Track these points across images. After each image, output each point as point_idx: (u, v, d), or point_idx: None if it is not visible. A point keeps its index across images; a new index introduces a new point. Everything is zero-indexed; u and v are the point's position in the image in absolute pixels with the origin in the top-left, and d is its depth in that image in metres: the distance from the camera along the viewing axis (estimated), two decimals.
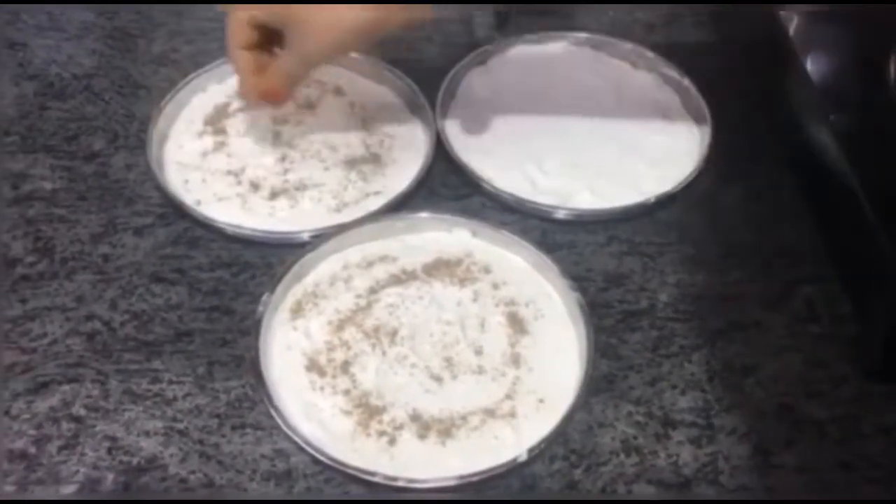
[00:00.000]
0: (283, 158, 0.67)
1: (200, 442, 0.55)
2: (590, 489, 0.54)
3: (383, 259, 0.62)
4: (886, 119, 0.62)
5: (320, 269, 0.62)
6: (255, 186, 0.66)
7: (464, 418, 0.54)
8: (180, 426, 0.55)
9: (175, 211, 0.65)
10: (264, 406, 0.55)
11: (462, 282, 0.61)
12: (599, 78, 0.74)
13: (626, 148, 0.69)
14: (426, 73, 0.74)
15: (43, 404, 0.56)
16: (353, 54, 0.74)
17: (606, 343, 0.60)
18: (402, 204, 0.65)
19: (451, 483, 0.52)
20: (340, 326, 0.58)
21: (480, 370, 0.57)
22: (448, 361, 0.57)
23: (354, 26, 0.59)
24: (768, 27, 0.70)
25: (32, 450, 0.54)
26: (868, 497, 0.54)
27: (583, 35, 0.76)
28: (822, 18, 0.69)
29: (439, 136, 0.68)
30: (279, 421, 0.54)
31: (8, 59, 0.76)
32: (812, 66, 0.65)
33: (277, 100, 0.66)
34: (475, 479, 0.52)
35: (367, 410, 0.55)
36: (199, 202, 0.65)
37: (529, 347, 0.58)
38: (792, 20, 0.69)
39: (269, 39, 0.63)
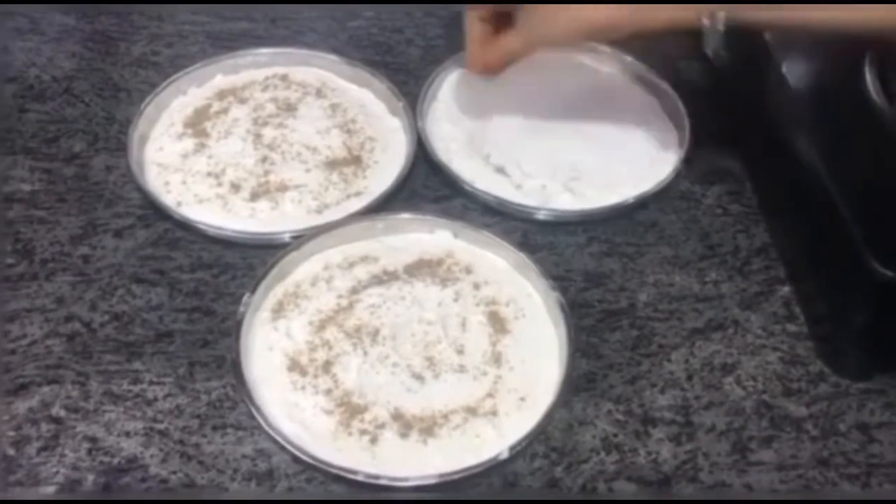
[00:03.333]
0: (263, 160, 0.67)
1: (181, 442, 0.55)
2: (570, 486, 0.54)
3: (364, 259, 0.62)
4: (862, 122, 0.63)
5: (301, 270, 0.62)
6: (235, 188, 0.66)
7: (445, 417, 0.55)
8: (161, 426, 0.55)
9: (155, 212, 0.65)
10: (245, 406, 0.55)
11: (443, 282, 0.61)
12: (580, 81, 0.75)
13: (606, 150, 0.70)
14: (407, 76, 0.75)
15: (22, 405, 0.56)
16: (335, 56, 0.74)
17: (587, 342, 0.60)
18: (384, 205, 0.65)
19: (433, 481, 0.52)
20: (322, 326, 0.58)
21: (462, 369, 0.57)
22: (430, 360, 0.57)
23: (588, 25, 0.59)
24: (746, 32, 0.70)
25: (11, 451, 0.54)
26: (845, 494, 0.55)
27: None
28: None
29: (420, 138, 0.69)
30: (260, 420, 0.53)
31: None
32: (789, 69, 0.66)
33: (491, 74, 0.67)
34: (456, 477, 0.52)
35: (349, 409, 0.55)
36: (179, 203, 0.65)
37: (510, 346, 0.58)
38: None
39: (501, 16, 0.64)
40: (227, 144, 0.68)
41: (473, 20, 0.64)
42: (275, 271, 0.60)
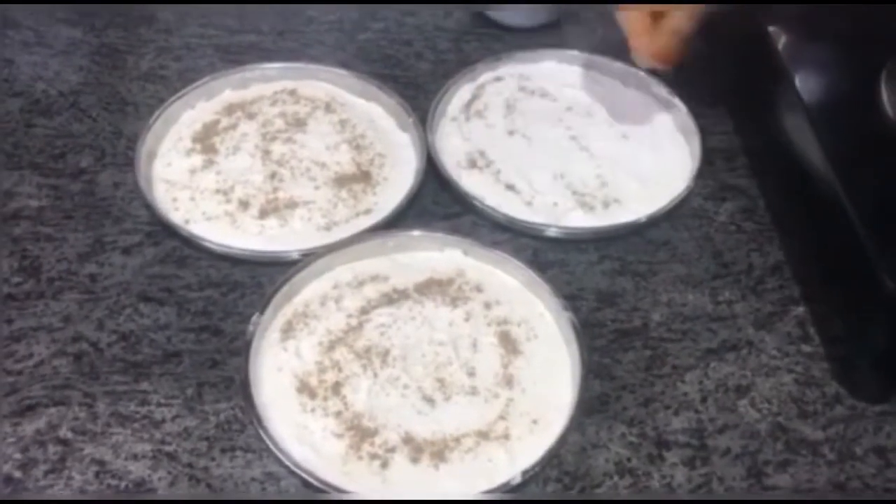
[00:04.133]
0: (272, 176, 0.67)
1: (190, 465, 0.54)
2: None
3: (374, 278, 0.62)
4: (877, 138, 0.62)
5: (311, 289, 0.61)
6: (244, 205, 0.65)
7: (457, 440, 0.54)
8: (169, 449, 0.54)
9: (163, 230, 0.64)
10: (254, 428, 0.54)
11: (454, 301, 0.60)
12: (590, 96, 0.74)
13: (617, 167, 0.69)
14: (417, 90, 0.74)
15: (29, 427, 0.55)
16: (344, 71, 0.74)
17: (599, 363, 0.59)
18: (393, 222, 0.64)
19: None
20: (331, 347, 0.58)
21: (473, 391, 0.56)
22: (440, 382, 0.56)
23: None
24: (758, 46, 0.70)
25: (18, 474, 0.53)
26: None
27: (573, 53, 0.76)
28: (812, 37, 0.69)
29: (430, 154, 0.68)
30: (269, 443, 0.53)
31: None
32: (802, 84, 0.65)
33: (669, 61, 0.66)
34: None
35: (359, 433, 0.54)
36: (187, 221, 0.64)
37: (522, 368, 0.57)
38: (781, 38, 0.69)
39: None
40: (235, 160, 0.68)
41: (630, 14, 0.64)
42: (284, 290, 0.60)
